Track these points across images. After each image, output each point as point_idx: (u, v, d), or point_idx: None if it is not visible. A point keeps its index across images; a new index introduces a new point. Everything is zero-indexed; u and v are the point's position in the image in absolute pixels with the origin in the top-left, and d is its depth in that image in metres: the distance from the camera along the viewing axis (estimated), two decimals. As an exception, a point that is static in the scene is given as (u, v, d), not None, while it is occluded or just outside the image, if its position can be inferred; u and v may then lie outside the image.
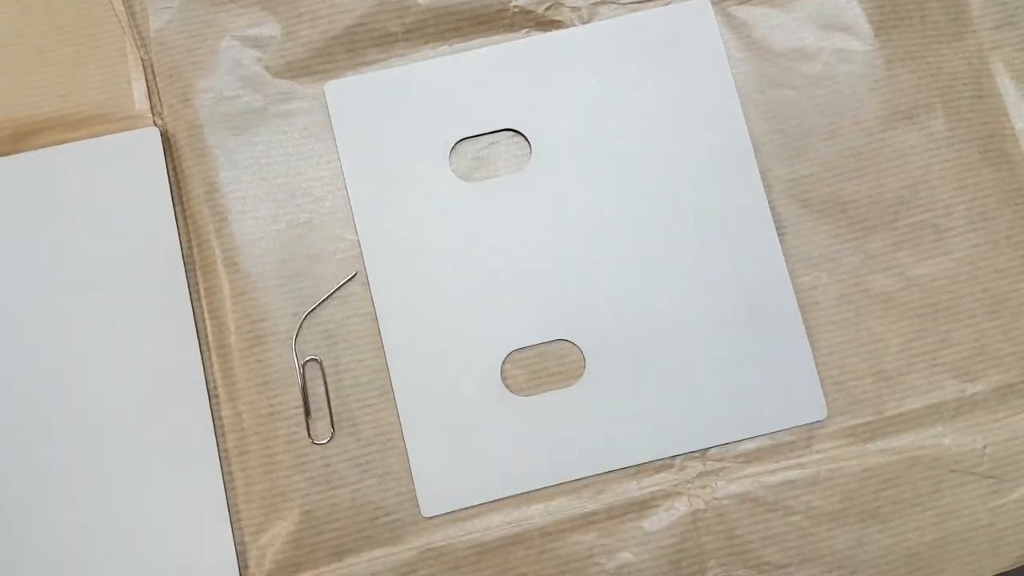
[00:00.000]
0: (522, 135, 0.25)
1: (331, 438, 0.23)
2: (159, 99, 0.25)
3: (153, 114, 0.25)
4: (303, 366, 0.23)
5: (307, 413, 0.23)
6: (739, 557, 0.23)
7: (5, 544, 0.22)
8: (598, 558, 0.23)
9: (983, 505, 0.24)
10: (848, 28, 0.26)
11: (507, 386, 0.24)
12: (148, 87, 0.25)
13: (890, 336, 0.24)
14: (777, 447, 0.24)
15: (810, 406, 0.24)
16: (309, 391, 0.23)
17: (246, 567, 0.23)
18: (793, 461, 0.24)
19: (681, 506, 0.23)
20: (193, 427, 0.23)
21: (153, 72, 0.25)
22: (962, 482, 0.24)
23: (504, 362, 0.24)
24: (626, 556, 0.23)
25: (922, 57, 0.26)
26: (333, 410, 0.23)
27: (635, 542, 0.23)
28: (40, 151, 0.24)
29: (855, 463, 0.24)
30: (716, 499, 0.23)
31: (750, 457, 0.24)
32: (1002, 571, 0.24)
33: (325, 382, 0.23)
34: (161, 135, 0.24)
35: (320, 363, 0.23)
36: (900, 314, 0.25)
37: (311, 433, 0.23)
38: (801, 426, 0.24)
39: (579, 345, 0.24)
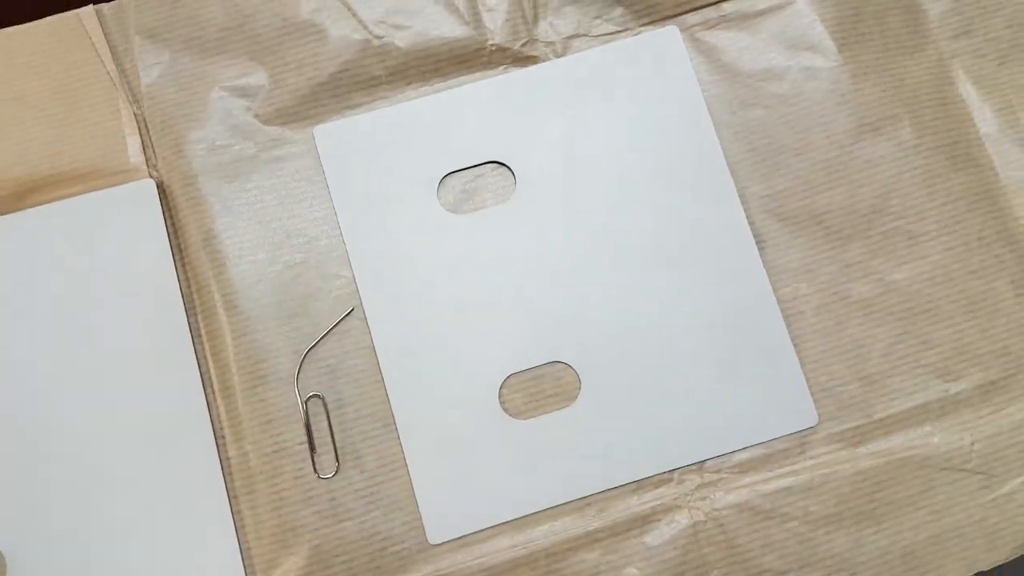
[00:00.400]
0: (507, 167, 0.26)
1: (336, 472, 0.24)
2: (153, 152, 0.26)
3: (148, 166, 0.26)
4: (306, 403, 0.24)
5: (312, 449, 0.24)
6: (740, 566, 0.24)
7: (20, 595, 0.23)
8: (604, 575, 0.23)
9: (975, 501, 0.24)
10: (813, 47, 0.27)
11: (506, 410, 0.25)
12: (142, 140, 0.26)
13: (872, 341, 0.25)
14: (771, 455, 0.24)
15: (800, 413, 0.25)
16: (313, 427, 0.24)
17: (259, 604, 0.23)
18: (787, 468, 0.24)
19: (682, 519, 0.24)
20: (201, 469, 0.23)
21: (146, 126, 0.26)
22: (953, 479, 0.24)
23: (501, 387, 0.25)
24: (631, 572, 0.23)
25: (886, 70, 0.27)
26: (337, 444, 0.24)
27: (639, 557, 0.24)
28: (41, 207, 0.25)
29: (847, 467, 0.24)
30: (715, 510, 0.24)
31: (746, 467, 0.24)
32: (998, 564, 0.24)
33: (328, 417, 0.24)
34: (157, 186, 0.25)
35: (323, 399, 0.24)
36: (881, 319, 0.25)
37: (316, 468, 0.24)
38: (793, 433, 0.25)
39: (573, 366, 0.25)
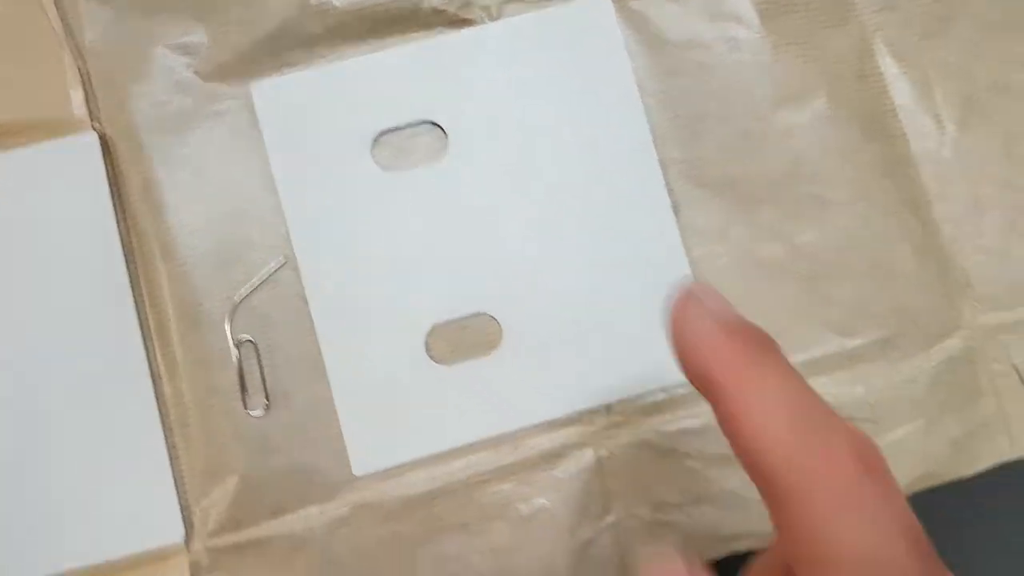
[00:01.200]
0: (439, 127, 0.28)
1: (266, 410, 0.26)
2: (97, 105, 0.27)
3: (91, 119, 0.27)
4: (239, 346, 0.26)
5: (243, 389, 0.26)
6: (640, 497, 0.26)
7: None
8: (516, 504, 0.26)
9: (866, 448, 0.26)
10: (738, 18, 0.28)
11: (431, 356, 0.26)
12: (85, 94, 0.27)
13: (777, 298, 0.27)
14: (674, 400, 0.27)
15: (705, 365, 0.27)
16: (245, 369, 0.26)
17: (191, 527, 0.25)
18: (687, 412, 0.26)
19: (588, 455, 0.26)
20: (138, 405, 0.25)
21: (90, 80, 0.27)
22: (847, 428, 0.27)
23: (428, 335, 0.27)
24: (541, 501, 0.26)
25: (807, 42, 0.29)
26: (268, 385, 0.26)
27: (549, 488, 0.26)
28: (-16, 156, 0.26)
29: (748, 414, 0.26)
30: (619, 447, 0.26)
31: (649, 410, 0.26)
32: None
33: (259, 360, 0.26)
34: (100, 139, 0.27)
35: (255, 343, 0.26)
36: (786, 278, 0.27)
37: (248, 406, 0.26)
38: (697, 382, 0.27)
39: (496, 317, 0.27)
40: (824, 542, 0.13)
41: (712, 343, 0.15)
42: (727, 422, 0.15)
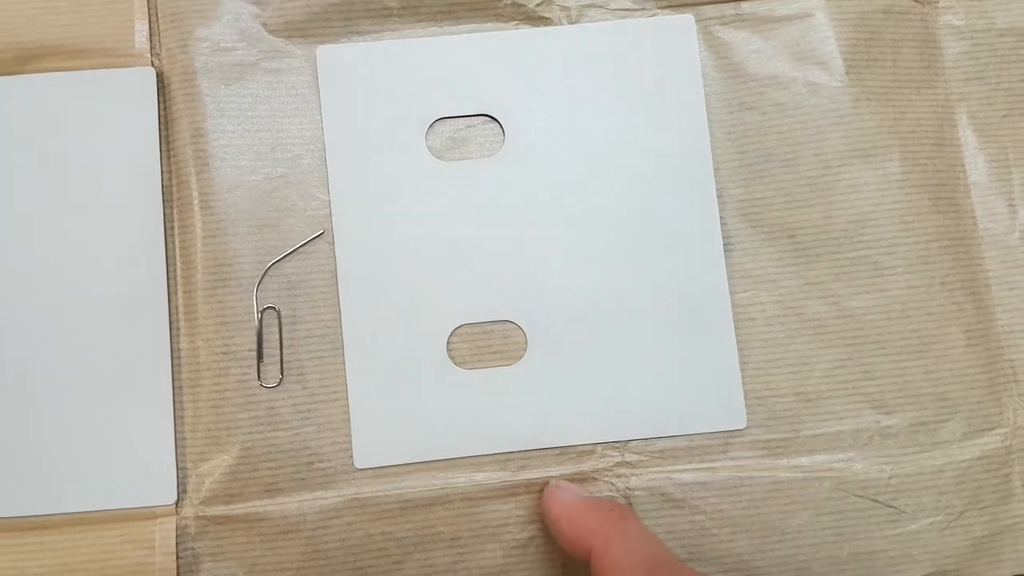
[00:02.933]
0: (498, 122, 0.27)
1: (279, 383, 0.25)
2: (159, 41, 0.27)
3: (151, 55, 0.27)
4: (262, 312, 0.26)
5: (259, 357, 0.25)
6: (641, 543, 0.25)
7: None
8: (511, 527, 0.25)
9: (881, 532, 0.26)
10: (823, 63, 0.28)
11: (451, 358, 0.26)
12: (150, 28, 0.27)
13: (817, 360, 0.27)
14: (694, 448, 0.26)
15: (731, 414, 0.26)
16: (264, 337, 0.25)
17: (184, 491, 0.25)
18: (707, 464, 0.26)
19: (594, 490, 0.26)
20: (152, 354, 0.25)
21: (156, 15, 0.27)
22: (864, 507, 0.26)
23: (451, 335, 0.26)
24: (536, 529, 0.25)
25: (889, 99, 0.28)
26: (284, 357, 0.26)
27: (548, 517, 0.25)
28: (42, 75, 0.26)
29: (766, 475, 0.26)
30: (628, 488, 0.26)
31: (667, 455, 0.26)
32: (887, 593, 0.26)
33: (280, 330, 0.26)
34: (156, 76, 0.27)
35: (278, 312, 0.26)
36: (830, 341, 0.27)
37: (261, 376, 0.25)
38: (720, 432, 0.26)
39: (523, 328, 0.26)
40: None
41: (580, 511, 0.23)
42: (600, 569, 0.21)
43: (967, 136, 0.29)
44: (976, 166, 0.28)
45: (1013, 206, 0.28)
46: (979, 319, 0.27)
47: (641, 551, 0.21)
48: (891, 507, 0.26)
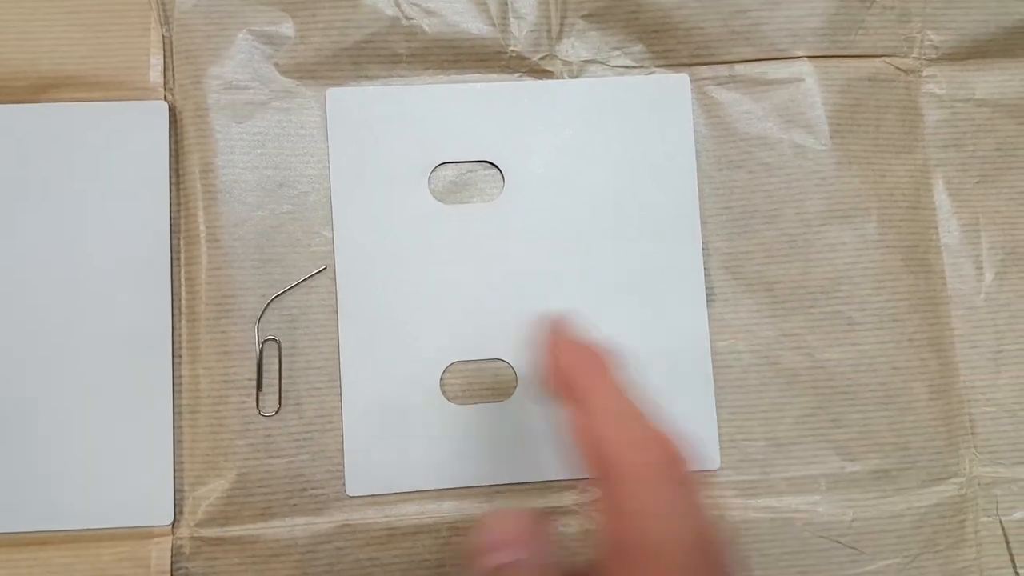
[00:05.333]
0: (498, 168, 0.29)
1: (277, 412, 0.27)
2: (172, 76, 0.28)
3: (165, 89, 0.28)
4: (263, 343, 0.27)
5: (259, 387, 0.27)
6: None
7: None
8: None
9: (842, 571, 0.28)
10: (809, 126, 0.30)
11: (444, 393, 0.28)
12: (164, 63, 0.28)
13: (788, 408, 0.29)
14: (669, 488, 0.28)
15: (706, 456, 0.28)
16: (264, 367, 0.27)
17: (180, 512, 0.27)
18: (680, 503, 0.28)
19: (575, 524, 0.28)
20: (154, 380, 0.27)
21: (171, 50, 0.28)
22: (827, 548, 0.28)
23: (445, 371, 0.28)
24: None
25: (870, 163, 0.30)
26: (283, 387, 0.27)
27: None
28: (57, 104, 0.28)
29: (736, 514, 0.28)
30: (607, 524, 0.28)
31: (644, 493, 0.28)
32: (845, 630, 0.28)
33: (280, 361, 0.27)
34: (169, 110, 0.28)
35: (278, 343, 0.27)
36: (801, 390, 0.29)
37: (259, 405, 0.27)
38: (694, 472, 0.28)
39: (514, 367, 0.28)
40: (632, 530, 0.17)
41: (578, 355, 0.21)
42: (580, 423, 0.19)
43: (942, 200, 0.31)
44: (949, 229, 0.31)
45: (980, 269, 0.31)
46: (942, 375, 0.30)
47: (618, 422, 0.19)
48: (852, 548, 0.28)
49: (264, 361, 0.27)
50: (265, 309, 0.27)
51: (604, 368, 0.20)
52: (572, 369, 0.20)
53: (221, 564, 0.26)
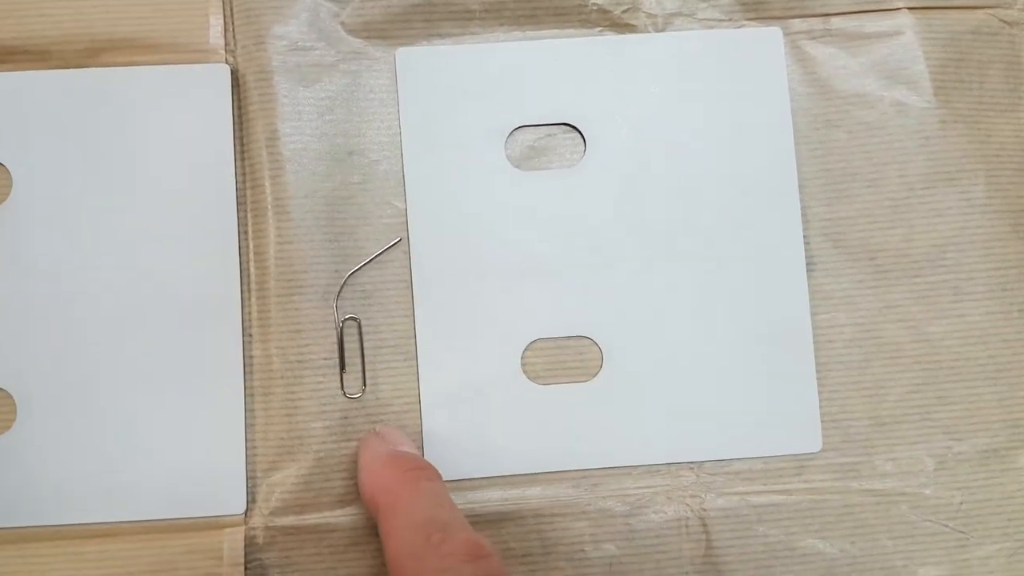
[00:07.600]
0: (579, 131, 0.28)
1: (363, 394, 0.26)
2: (234, 38, 0.27)
3: (226, 51, 0.27)
4: (342, 322, 0.26)
5: (342, 367, 0.26)
6: (714, 567, 0.26)
7: (27, 433, 0.25)
8: (584, 546, 0.26)
9: (950, 556, 0.27)
10: (911, 83, 0.29)
11: (525, 372, 0.27)
12: (225, 24, 0.27)
13: (892, 384, 0.28)
14: (769, 471, 0.27)
15: (806, 437, 0.27)
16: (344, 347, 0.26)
17: (254, 501, 0.26)
18: (781, 486, 0.27)
19: (670, 511, 0.27)
20: (224, 359, 0.26)
21: (232, 10, 0.27)
22: (934, 532, 0.27)
23: (526, 349, 0.27)
24: (610, 548, 0.26)
25: (975, 122, 0.29)
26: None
27: (621, 537, 0.26)
28: (113, 69, 0.26)
29: (838, 498, 0.27)
30: (703, 510, 0.27)
31: (742, 476, 0.27)
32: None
33: (361, 340, 0.26)
34: (231, 73, 0.27)
35: (358, 322, 0.26)
36: (906, 365, 0.28)
37: (344, 386, 0.26)
38: (795, 455, 0.27)
39: (600, 345, 0.27)
40: None
41: (383, 463, 0.23)
42: (383, 535, 0.22)
43: (1050, 161, 0.29)
44: (1058, 191, 0.29)
45: (1093, 233, 0.29)
46: (1055, 347, 0.28)
47: (423, 513, 0.21)
48: (961, 532, 0.27)
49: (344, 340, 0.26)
50: (342, 287, 0.26)
51: (414, 479, 0.23)
52: (375, 488, 0.23)
53: (297, 554, 0.26)
